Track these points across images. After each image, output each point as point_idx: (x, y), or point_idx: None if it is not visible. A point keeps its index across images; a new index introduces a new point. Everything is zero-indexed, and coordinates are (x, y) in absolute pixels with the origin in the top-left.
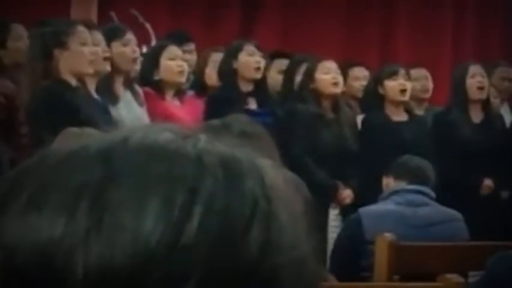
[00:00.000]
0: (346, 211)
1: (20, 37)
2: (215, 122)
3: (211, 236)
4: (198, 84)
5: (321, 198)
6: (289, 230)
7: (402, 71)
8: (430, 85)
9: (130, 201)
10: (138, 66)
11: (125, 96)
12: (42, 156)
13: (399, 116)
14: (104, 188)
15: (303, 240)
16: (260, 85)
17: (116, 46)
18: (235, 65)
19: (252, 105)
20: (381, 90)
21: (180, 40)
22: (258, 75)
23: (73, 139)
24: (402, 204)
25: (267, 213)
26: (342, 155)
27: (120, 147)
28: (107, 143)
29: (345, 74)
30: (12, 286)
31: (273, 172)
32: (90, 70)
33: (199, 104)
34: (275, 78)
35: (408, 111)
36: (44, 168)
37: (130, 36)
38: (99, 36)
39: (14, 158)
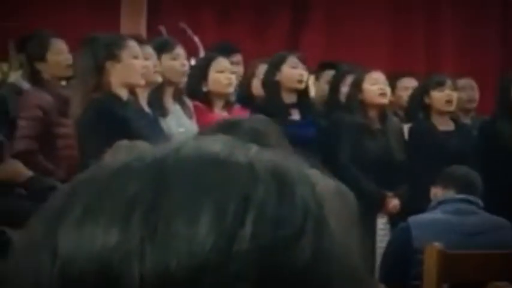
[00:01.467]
0: (395, 220)
1: (60, 51)
2: (226, 120)
3: (264, 243)
4: (245, 96)
5: (369, 207)
6: (340, 237)
7: (449, 82)
8: (477, 95)
9: (184, 209)
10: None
11: (175, 109)
12: (97, 169)
13: (445, 126)
14: (157, 197)
15: (353, 248)
16: (303, 96)
17: (166, 59)
18: (278, 77)
19: (295, 116)
20: (427, 100)
21: (227, 51)
22: (301, 87)
23: (124, 152)
24: (451, 213)
25: (318, 221)
26: (389, 164)
27: (172, 157)
28: (159, 154)
29: (393, 85)
30: None
31: (322, 181)
32: (142, 82)
33: (247, 115)
34: (324, 89)
35: (454, 120)
36: (98, 180)
37: (179, 50)
38: (150, 50)
39: (51, 171)
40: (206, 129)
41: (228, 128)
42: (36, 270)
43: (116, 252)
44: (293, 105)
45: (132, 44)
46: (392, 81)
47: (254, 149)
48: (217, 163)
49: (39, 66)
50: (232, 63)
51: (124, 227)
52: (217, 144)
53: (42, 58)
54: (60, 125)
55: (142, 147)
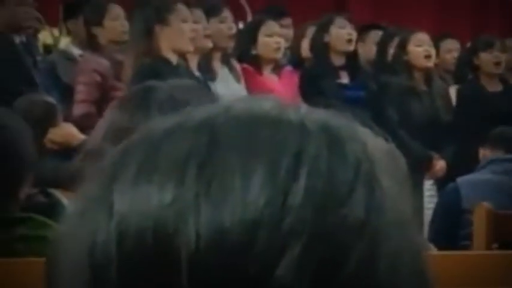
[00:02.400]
0: (441, 181)
1: (117, 16)
2: (141, 85)
3: (317, 197)
4: (295, 58)
5: (416, 168)
6: (392, 193)
7: (498, 43)
8: None
9: (237, 165)
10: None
11: (223, 73)
12: (149, 128)
13: (494, 87)
14: (210, 153)
15: (405, 204)
16: (352, 59)
17: (213, 23)
18: (326, 38)
19: (344, 79)
20: (476, 61)
21: (277, 15)
22: (350, 47)
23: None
24: (500, 173)
25: (370, 176)
26: (435, 126)
27: (223, 115)
28: (209, 113)
29: (437, 47)
30: (127, 254)
31: (374, 139)
32: (190, 48)
33: (297, 78)
34: (371, 50)
35: (503, 81)
36: (151, 139)
37: (227, 13)
38: (200, 14)
39: None
40: (123, 95)
41: (142, 94)
42: (93, 229)
43: (171, 209)
44: (342, 68)
45: (181, 8)
46: (435, 43)
47: (304, 107)
48: (268, 120)
49: (96, 31)
50: (282, 26)
51: (178, 184)
52: (267, 103)
53: (99, 23)
54: (117, 89)
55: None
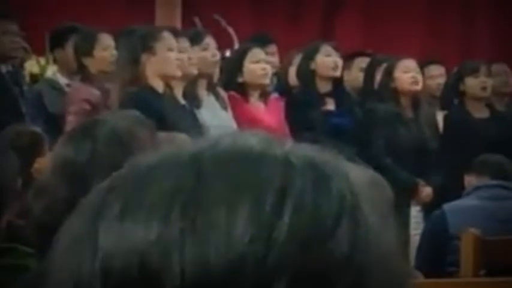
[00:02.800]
0: (428, 208)
1: (107, 46)
2: (89, 119)
3: (302, 233)
4: (282, 85)
5: (402, 196)
6: (376, 226)
7: (483, 68)
8: (510, 80)
9: (222, 201)
10: (218, 70)
11: (209, 100)
12: (135, 163)
13: (481, 113)
14: (195, 190)
15: (389, 237)
16: (338, 86)
17: (197, 51)
18: (313, 66)
19: (330, 105)
20: (461, 87)
21: (262, 42)
22: (336, 74)
23: (164, 144)
24: (486, 199)
25: (355, 210)
26: (422, 153)
27: (209, 152)
28: (196, 149)
29: (421, 72)
30: None
31: (357, 172)
32: (178, 73)
33: (283, 105)
34: (356, 77)
35: (490, 107)
36: (137, 174)
37: (209, 40)
38: (185, 42)
39: None
40: (71, 129)
41: (86, 128)
42: (78, 266)
43: (156, 246)
44: (328, 95)
45: (167, 36)
46: (420, 68)
47: (289, 143)
48: (253, 156)
49: (86, 61)
50: (267, 53)
51: (164, 220)
52: (253, 138)
53: (90, 53)
54: None
55: (181, 138)
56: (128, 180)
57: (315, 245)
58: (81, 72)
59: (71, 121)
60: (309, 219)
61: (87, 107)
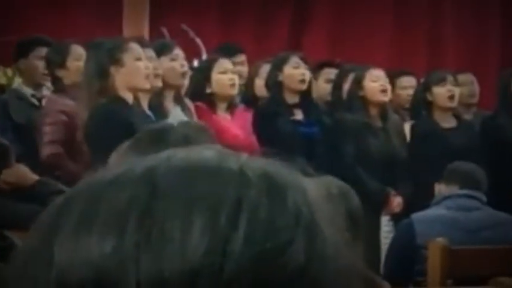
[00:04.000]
0: (398, 217)
1: (80, 57)
2: (155, 127)
3: (257, 245)
4: (249, 96)
5: (373, 205)
6: (332, 240)
7: (450, 77)
8: (477, 90)
9: (177, 214)
10: (187, 81)
11: (175, 111)
12: (90, 179)
13: (448, 122)
14: (150, 204)
15: (346, 250)
16: (306, 96)
17: (165, 61)
18: (280, 77)
19: (299, 115)
20: (429, 97)
21: (231, 52)
22: (303, 87)
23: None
24: (454, 209)
25: (310, 223)
26: (391, 162)
27: (163, 165)
28: (151, 162)
29: (392, 83)
30: None
31: (314, 185)
32: (147, 85)
33: (250, 116)
34: (323, 88)
35: (457, 116)
36: (93, 189)
37: (178, 51)
38: (151, 53)
39: (78, 175)
40: (136, 137)
41: (158, 134)
42: (34, 281)
43: (111, 259)
44: (296, 105)
45: (134, 46)
46: (391, 80)
47: (245, 156)
48: (208, 169)
49: (60, 72)
50: (236, 63)
51: (119, 234)
52: (207, 152)
53: (62, 65)
54: None
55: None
56: (82, 195)
57: (270, 257)
58: (55, 84)
59: (48, 132)
60: (264, 231)
61: (63, 117)
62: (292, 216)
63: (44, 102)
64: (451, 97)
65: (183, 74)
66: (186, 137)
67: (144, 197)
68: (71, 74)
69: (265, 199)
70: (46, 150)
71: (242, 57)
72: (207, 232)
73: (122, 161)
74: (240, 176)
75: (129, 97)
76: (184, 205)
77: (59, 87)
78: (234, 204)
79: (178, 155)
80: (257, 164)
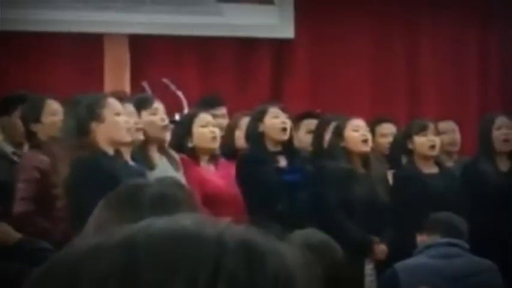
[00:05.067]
0: (381, 265)
1: (55, 112)
2: (131, 184)
3: None
4: (229, 148)
5: (356, 252)
6: None
7: (431, 126)
8: (458, 138)
9: (157, 283)
10: (169, 134)
11: (161, 162)
12: (68, 250)
13: (429, 168)
14: (129, 273)
15: None
16: (288, 145)
17: (145, 115)
18: (261, 128)
19: (282, 162)
20: (410, 145)
21: (211, 105)
22: (285, 137)
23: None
24: (436, 257)
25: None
26: (374, 209)
27: (142, 233)
28: (129, 231)
29: (372, 131)
30: None
31: (291, 251)
32: (128, 138)
33: (233, 168)
34: (304, 139)
35: (438, 163)
36: (72, 259)
37: (158, 105)
38: (130, 108)
39: (49, 232)
40: (111, 193)
41: (134, 191)
42: None
43: None
44: (279, 153)
45: (113, 101)
46: (371, 127)
47: (223, 223)
48: (186, 237)
49: (35, 127)
50: (217, 116)
51: None
52: (186, 220)
53: (37, 119)
54: (57, 186)
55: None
56: (63, 264)
57: None
58: (30, 140)
59: (20, 188)
60: None
61: (37, 174)
62: (271, 282)
63: (20, 157)
64: (432, 147)
65: (164, 128)
66: (161, 194)
67: (122, 267)
68: (46, 129)
69: (243, 266)
70: (17, 207)
71: (223, 110)
72: None
73: (97, 219)
74: (218, 243)
75: (110, 149)
76: (163, 274)
77: (33, 142)
78: (212, 271)
79: (157, 223)
80: (235, 231)
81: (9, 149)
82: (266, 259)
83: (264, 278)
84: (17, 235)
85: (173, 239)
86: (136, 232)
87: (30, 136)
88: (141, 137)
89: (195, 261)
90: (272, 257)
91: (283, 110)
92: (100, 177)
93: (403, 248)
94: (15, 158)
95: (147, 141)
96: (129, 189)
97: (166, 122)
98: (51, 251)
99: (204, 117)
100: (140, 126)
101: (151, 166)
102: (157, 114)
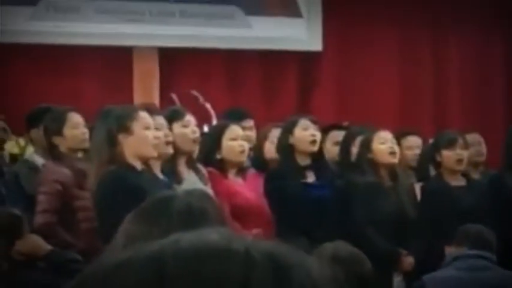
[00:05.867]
0: (410, 277)
1: (76, 125)
2: (159, 196)
3: None
4: (258, 160)
5: (384, 265)
6: None
7: (460, 141)
8: (484, 149)
9: None
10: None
11: (189, 177)
12: (99, 264)
13: (457, 181)
14: (159, 287)
15: None
16: (318, 158)
17: (177, 128)
18: (291, 140)
19: (310, 178)
20: (438, 158)
21: (239, 117)
22: (314, 148)
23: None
24: (464, 270)
25: None
26: (402, 222)
27: (171, 249)
28: (158, 246)
29: (398, 144)
30: None
31: (318, 265)
32: (154, 154)
33: (261, 180)
34: (331, 150)
35: (465, 175)
36: (101, 275)
37: (189, 117)
38: (161, 120)
39: (71, 244)
40: (140, 207)
41: (162, 204)
42: None
43: None
44: (308, 168)
45: (144, 115)
46: (397, 140)
47: (250, 237)
48: (215, 252)
49: (56, 140)
50: (245, 128)
51: None
52: (214, 235)
53: (59, 132)
54: (79, 198)
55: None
56: (92, 280)
57: None
58: (52, 152)
59: (42, 201)
60: None
61: (58, 187)
62: None
63: (41, 169)
64: (460, 160)
65: (195, 140)
66: (189, 206)
67: (153, 282)
68: (68, 142)
69: (271, 279)
70: (39, 219)
71: (250, 122)
72: None
73: (126, 232)
74: (245, 258)
75: (137, 164)
76: None
77: (55, 154)
78: (241, 285)
79: (185, 238)
80: (262, 245)
81: (39, 160)
82: (293, 272)
83: None
84: (47, 247)
85: (201, 255)
86: (164, 248)
87: (52, 148)
88: (170, 150)
89: (223, 276)
90: (299, 270)
91: (313, 122)
92: (127, 192)
93: (431, 261)
94: None
95: (177, 154)
96: (157, 202)
97: (197, 134)
98: (80, 262)
99: (235, 129)
100: (170, 139)
101: (179, 180)
102: (189, 127)
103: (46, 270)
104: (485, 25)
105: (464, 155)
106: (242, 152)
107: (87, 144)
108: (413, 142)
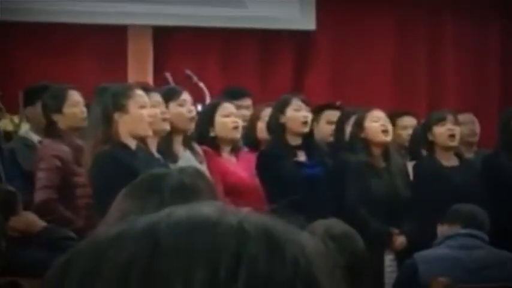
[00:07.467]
0: (401, 256)
1: (76, 103)
2: (151, 173)
3: None
4: (251, 139)
5: (376, 245)
6: None
7: (450, 116)
8: (478, 129)
9: (178, 270)
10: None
11: (185, 155)
12: (92, 237)
13: (450, 161)
14: (152, 259)
15: None
16: (308, 138)
17: (173, 107)
18: (283, 119)
19: (302, 157)
20: (430, 137)
21: (236, 96)
22: (306, 129)
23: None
24: (456, 248)
25: (309, 276)
26: (394, 201)
27: (164, 222)
28: (151, 220)
29: (393, 124)
30: None
31: (312, 240)
32: (149, 133)
33: (253, 159)
34: (324, 129)
35: (458, 155)
36: (95, 247)
37: (186, 96)
38: (157, 97)
39: (71, 220)
40: (133, 183)
41: (154, 181)
42: None
43: None
44: (299, 147)
45: (140, 93)
46: (392, 120)
47: (244, 211)
48: (208, 224)
49: (56, 117)
50: (242, 107)
51: None
52: (207, 208)
53: (59, 110)
54: (78, 175)
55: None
56: (84, 254)
57: None
58: (50, 129)
59: (41, 177)
60: (264, 283)
61: (57, 163)
62: (291, 269)
63: (38, 146)
64: (452, 136)
65: (191, 119)
66: (181, 183)
67: (146, 254)
68: (67, 120)
69: (264, 252)
70: (39, 196)
71: (248, 101)
72: (208, 286)
73: (119, 208)
74: (239, 231)
75: (132, 143)
76: (185, 260)
77: (54, 131)
78: (234, 258)
79: (179, 211)
80: (256, 219)
81: (35, 138)
82: (286, 247)
83: (284, 265)
84: (42, 224)
85: (194, 227)
86: (158, 221)
87: (51, 125)
88: (167, 127)
89: (216, 248)
90: (292, 244)
91: (305, 103)
92: (120, 172)
93: (423, 239)
94: None
95: (173, 132)
96: (150, 178)
97: (194, 113)
98: (74, 239)
99: (227, 107)
100: (167, 116)
101: (174, 159)
102: (185, 106)
103: (40, 247)
104: (482, 5)
105: (455, 130)
106: (235, 128)
107: (86, 123)
108: (408, 122)
